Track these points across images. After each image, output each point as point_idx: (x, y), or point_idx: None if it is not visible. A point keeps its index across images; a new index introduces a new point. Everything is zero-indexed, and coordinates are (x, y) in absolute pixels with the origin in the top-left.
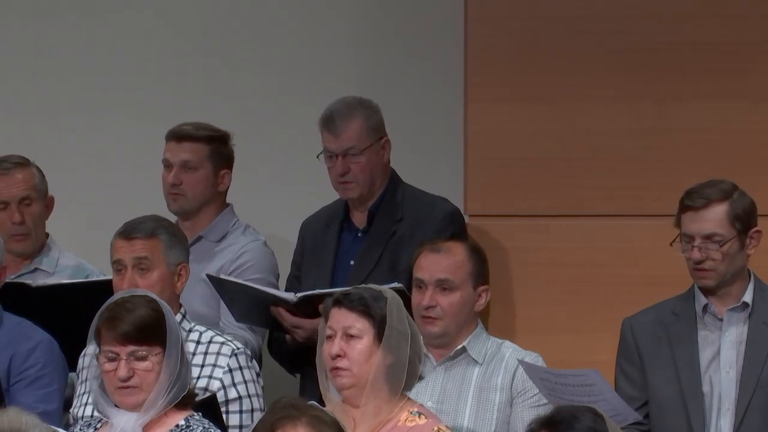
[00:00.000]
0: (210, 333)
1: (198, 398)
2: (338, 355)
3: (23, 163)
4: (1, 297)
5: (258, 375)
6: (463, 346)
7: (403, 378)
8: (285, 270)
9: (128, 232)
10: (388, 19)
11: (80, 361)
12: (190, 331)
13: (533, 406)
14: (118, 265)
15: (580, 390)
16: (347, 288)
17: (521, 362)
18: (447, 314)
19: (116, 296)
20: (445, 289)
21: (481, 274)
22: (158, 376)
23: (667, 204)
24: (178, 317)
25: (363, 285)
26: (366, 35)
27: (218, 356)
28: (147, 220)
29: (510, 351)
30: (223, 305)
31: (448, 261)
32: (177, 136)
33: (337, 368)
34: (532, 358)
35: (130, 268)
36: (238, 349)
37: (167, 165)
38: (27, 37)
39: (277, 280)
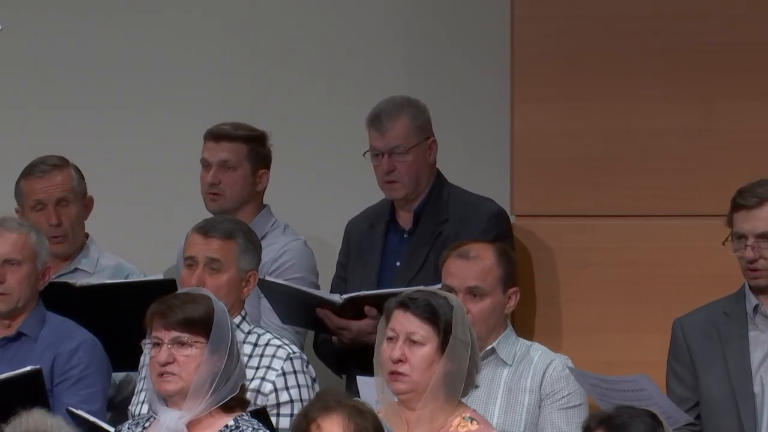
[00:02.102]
0: (268, 336)
1: (249, 408)
2: (399, 360)
3: (60, 164)
4: (44, 296)
5: (314, 380)
6: (493, 347)
7: (461, 387)
8: (323, 270)
9: (207, 229)
10: (434, 19)
11: (142, 358)
12: (249, 333)
13: (562, 408)
14: (190, 261)
15: (630, 395)
16: (409, 289)
17: (571, 369)
18: (477, 320)
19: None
20: (475, 295)
21: (510, 276)
22: (198, 367)
23: (713, 204)
24: (238, 319)
25: (426, 288)
26: (413, 35)
27: (273, 359)
28: (226, 221)
29: (539, 353)
30: (263, 305)
31: (477, 267)
32: (215, 135)
33: (396, 372)
34: (562, 360)
35: (202, 266)
36: (294, 353)
37: (205, 165)
38: (66, 34)
39: (317, 279)
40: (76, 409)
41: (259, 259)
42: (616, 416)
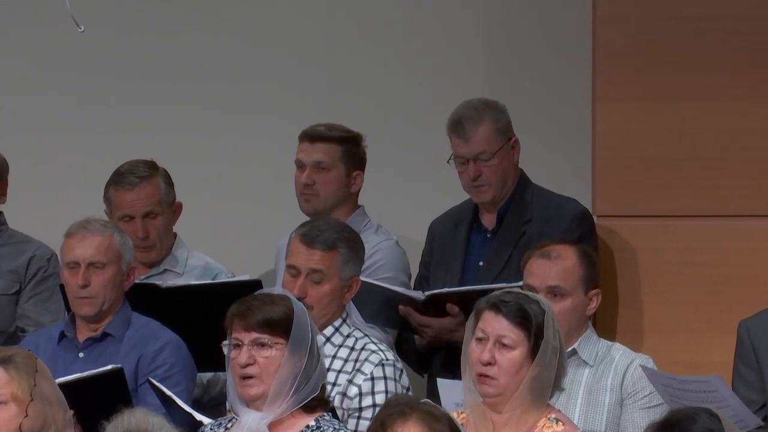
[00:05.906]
0: (365, 340)
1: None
2: (489, 363)
3: (148, 175)
4: (131, 297)
5: (407, 390)
6: (574, 349)
7: (549, 391)
8: (416, 270)
9: (310, 239)
10: (516, 20)
11: None
12: (347, 336)
13: (643, 407)
14: (293, 270)
15: (702, 396)
16: (493, 285)
17: (644, 368)
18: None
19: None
20: (556, 295)
21: (591, 277)
22: (279, 369)
23: None
24: (338, 322)
25: (517, 289)
26: (494, 36)
27: (365, 363)
28: (330, 229)
29: (620, 353)
30: (351, 304)
31: (558, 267)
32: (310, 136)
33: (485, 375)
34: (643, 360)
35: (304, 276)
36: (387, 360)
37: (300, 165)
38: (160, 34)
39: (409, 280)
40: (161, 410)
41: (362, 262)
42: (672, 416)
